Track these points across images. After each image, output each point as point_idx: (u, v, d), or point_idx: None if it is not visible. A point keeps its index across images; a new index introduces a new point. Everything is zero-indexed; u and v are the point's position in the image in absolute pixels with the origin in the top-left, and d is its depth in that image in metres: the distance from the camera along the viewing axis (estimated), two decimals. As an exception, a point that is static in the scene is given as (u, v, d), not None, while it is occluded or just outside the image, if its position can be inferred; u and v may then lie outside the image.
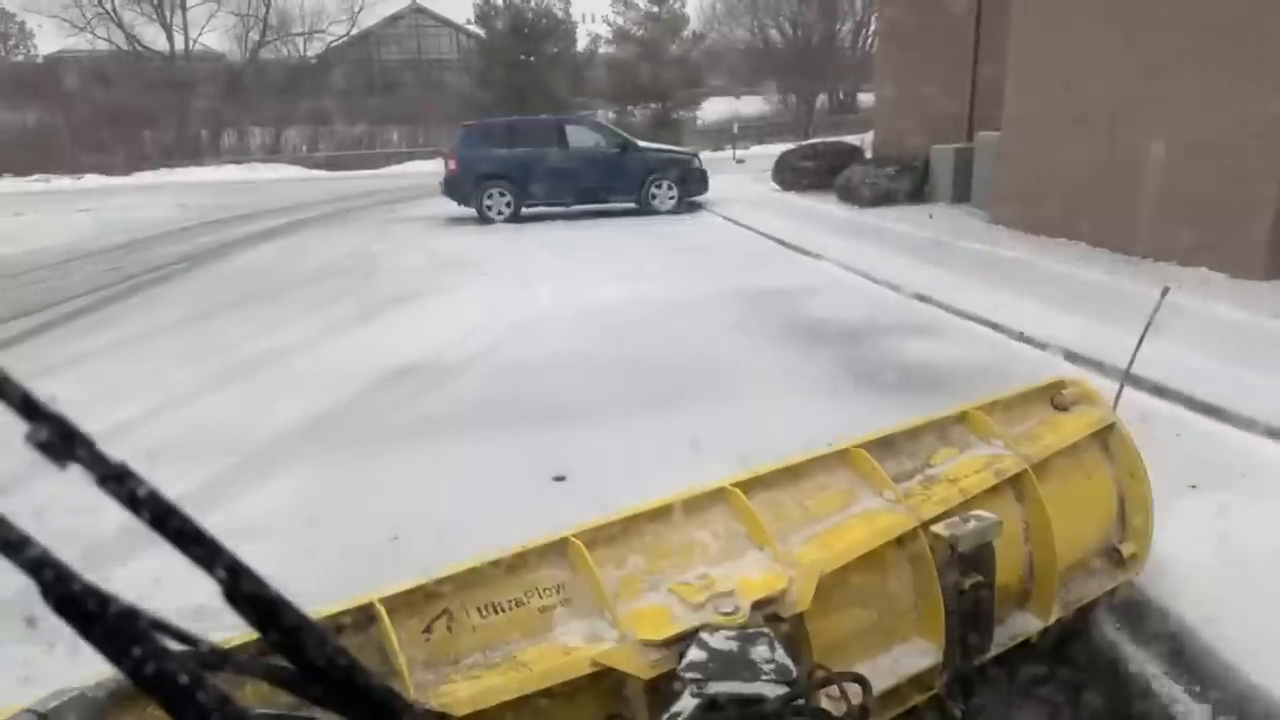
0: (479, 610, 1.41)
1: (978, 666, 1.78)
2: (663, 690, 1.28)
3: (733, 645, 1.19)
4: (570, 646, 1.38)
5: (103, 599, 0.49)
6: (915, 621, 1.75)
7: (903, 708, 1.71)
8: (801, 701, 1.02)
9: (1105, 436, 2.19)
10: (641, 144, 14.44)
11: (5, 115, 33.12)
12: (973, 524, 1.68)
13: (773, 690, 1.04)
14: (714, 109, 34.12)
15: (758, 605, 1.44)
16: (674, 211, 13.75)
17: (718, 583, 1.48)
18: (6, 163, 28.68)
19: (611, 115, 29.57)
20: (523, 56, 30.24)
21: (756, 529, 1.63)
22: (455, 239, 11.79)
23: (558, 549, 1.52)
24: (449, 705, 1.22)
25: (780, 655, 1.15)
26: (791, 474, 1.80)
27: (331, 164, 29.14)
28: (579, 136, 14.02)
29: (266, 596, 0.54)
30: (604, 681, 1.38)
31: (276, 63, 36.05)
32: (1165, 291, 2.38)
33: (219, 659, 0.63)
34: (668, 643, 1.35)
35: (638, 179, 13.69)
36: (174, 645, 0.56)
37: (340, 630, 1.29)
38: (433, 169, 14.18)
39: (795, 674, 1.11)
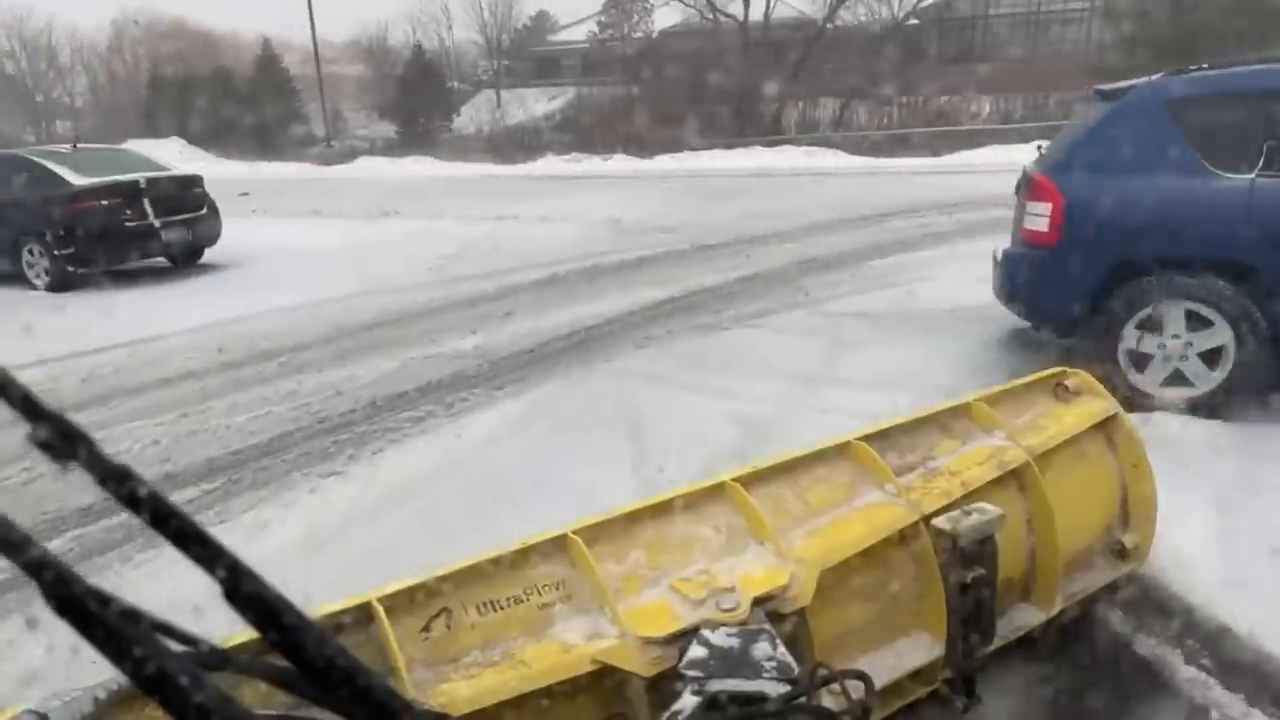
0: (478, 608, 1.40)
1: (980, 659, 1.78)
2: (664, 688, 1.28)
3: (734, 642, 1.19)
4: (570, 644, 1.38)
5: (103, 600, 0.49)
6: (917, 615, 1.75)
7: (904, 702, 1.71)
8: (803, 700, 1.02)
9: (1108, 428, 2.19)
10: None
11: (602, 92, 31.99)
12: (974, 517, 1.68)
13: (774, 688, 1.04)
14: None
15: (759, 601, 1.43)
16: None
17: (719, 578, 1.48)
18: (572, 140, 27.61)
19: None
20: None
21: (757, 524, 1.63)
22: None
23: (558, 545, 1.51)
24: (448, 704, 1.21)
25: (781, 653, 1.15)
26: (792, 468, 1.80)
27: (889, 146, 22.35)
28: None
29: (266, 596, 0.54)
30: (604, 679, 1.37)
31: (856, 27, 29.85)
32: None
33: (219, 659, 0.63)
34: (669, 640, 1.34)
35: None
36: (174, 646, 0.56)
37: (339, 629, 1.29)
38: (1016, 159, 5.86)
39: (797, 672, 1.11)
